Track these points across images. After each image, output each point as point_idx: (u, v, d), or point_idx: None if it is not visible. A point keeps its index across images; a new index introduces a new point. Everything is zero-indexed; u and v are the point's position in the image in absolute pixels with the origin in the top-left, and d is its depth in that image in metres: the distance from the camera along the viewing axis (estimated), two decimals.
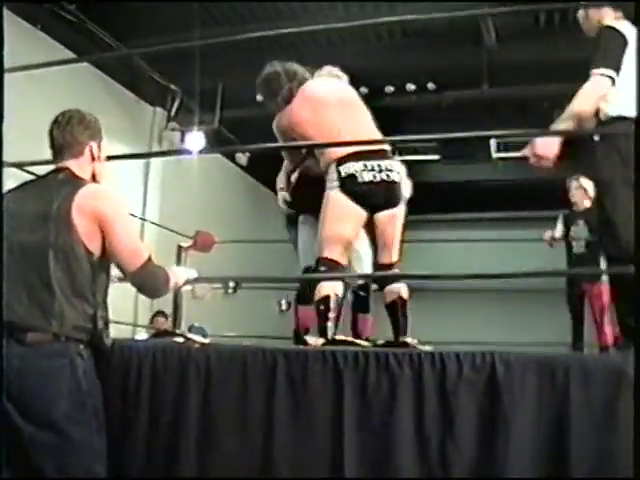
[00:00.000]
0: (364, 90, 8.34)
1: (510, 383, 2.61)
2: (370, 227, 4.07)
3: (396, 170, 4.01)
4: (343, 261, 3.93)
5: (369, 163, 3.92)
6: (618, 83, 3.40)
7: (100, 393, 2.77)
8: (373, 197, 3.94)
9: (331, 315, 3.77)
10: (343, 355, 2.84)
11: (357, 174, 3.90)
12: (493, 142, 9.27)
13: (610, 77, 3.39)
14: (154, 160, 9.31)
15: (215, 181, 10.45)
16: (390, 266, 4.10)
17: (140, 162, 9.08)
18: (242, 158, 10.88)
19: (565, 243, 7.49)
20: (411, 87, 8.54)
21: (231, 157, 10.85)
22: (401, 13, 6.78)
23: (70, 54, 7.26)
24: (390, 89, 8.68)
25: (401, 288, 4.10)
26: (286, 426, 2.82)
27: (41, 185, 2.91)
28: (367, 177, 3.91)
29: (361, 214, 3.95)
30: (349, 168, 3.91)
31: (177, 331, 3.71)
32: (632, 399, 2.46)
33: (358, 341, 3.62)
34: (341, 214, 3.93)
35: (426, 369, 2.71)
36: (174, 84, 9.05)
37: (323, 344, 3.47)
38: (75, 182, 2.82)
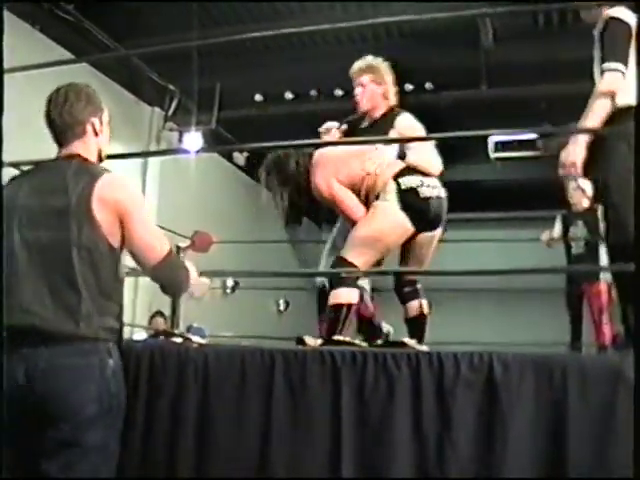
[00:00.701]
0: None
1: (508, 383, 2.61)
2: (408, 244, 3.98)
3: (439, 186, 3.94)
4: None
5: (424, 179, 3.86)
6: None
7: (124, 395, 2.66)
8: (430, 213, 3.86)
9: (340, 327, 3.68)
10: (341, 355, 2.84)
11: (418, 189, 3.82)
12: (491, 142, 9.28)
13: (621, 71, 3.38)
14: (152, 160, 9.31)
15: (213, 181, 10.45)
16: (414, 282, 4.11)
17: (138, 162, 9.08)
18: (240, 158, 10.89)
19: (564, 243, 7.50)
20: (409, 87, 8.53)
21: (229, 157, 10.85)
22: (398, 13, 6.78)
23: (68, 54, 7.27)
24: None
25: (423, 303, 4.09)
26: (284, 426, 2.82)
27: (51, 175, 2.70)
28: (427, 192, 3.84)
29: (407, 232, 3.85)
30: (409, 181, 3.84)
31: (175, 331, 3.70)
32: (630, 399, 2.47)
33: (356, 341, 3.62)
34: (390, 227, 3.83)
35: (424, 369, 2.71)
36: (172, 84, 9.05)
37: (321, 344, 3.48)
38: (90, 171, 2.66)
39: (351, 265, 3.76)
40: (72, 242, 2.53)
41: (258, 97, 9.22)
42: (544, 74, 8.17)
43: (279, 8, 7.66)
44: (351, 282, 3.80)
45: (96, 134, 2.80)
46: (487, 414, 2.62)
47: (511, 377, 2.62)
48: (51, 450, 2.46)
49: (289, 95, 9.11)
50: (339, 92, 8.51)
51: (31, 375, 2.45)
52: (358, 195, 3.94)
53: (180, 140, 9.53)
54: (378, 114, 4.43)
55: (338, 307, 3.73)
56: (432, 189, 3.86)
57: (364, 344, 3.52)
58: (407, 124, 4.25)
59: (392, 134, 4.20)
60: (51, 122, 2.76)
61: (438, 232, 4.01)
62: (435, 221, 3.94)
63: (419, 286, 4.15)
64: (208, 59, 7.36)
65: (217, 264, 6.68)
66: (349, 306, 3.75)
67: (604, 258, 7.16)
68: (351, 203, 3.96)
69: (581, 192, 7.32)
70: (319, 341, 3.56)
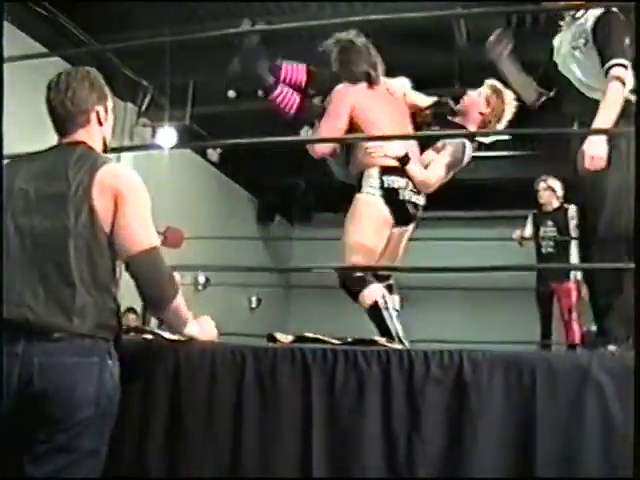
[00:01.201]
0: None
1: (477, 382, 2.62)
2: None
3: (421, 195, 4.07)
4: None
5: (409, 183, 3.95)
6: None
7: (118, 398, 2.51)
8: (406, 214, 3.98)
9: (387, 315, 3.79)
10: (312, 352, 2.83)
11: (400, 191, 3.91)
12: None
13: (625, 66, 3.40)
14: (124, 155, 9.25)
15: (186, 177, 10.41)
16: (388, 278, 4.14)
17: (111, 157, 9.01)
18: (213, 154, 10.87)
19: (535, 243, 7.56)
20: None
21: (202, 153, 10.82)
22: (374, 12, 6.79)
23: (40, 47, 7.21)
24: None
25: (396, 299, 4.13)
26: (254, 424, 2.82)
27: (52, 160, 2.56)
28: (407, 196, 3.94)
29: (390, 226, 3.97)
30: (394, 182, 3.90)
31: (147, 328, 3.69)
32: (598, 398, 2.50)
33: (327, 338, 3.63)
34: (379, 224, 3.93)
35: (394, 367, 2.71)
36: (145, 80, 9.00)
37: (292, 341, 3.48)
38: (93, 159, 2.52)
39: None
40: (69, 231, 2.40)
41: (231, 93, 9.20)
42: None
43: (255, 5, 7.65)
44: (368, 280, 3.89)
45: (100, 123, 2.66)
46: (456, 412, 2.63)
47: (481, 375, 2.64)
48: (41, 454, 2.32)
49: (262, 92, 9.09)
50: (313, 90, 8.51)
51: (25, 373, 2.30)
52: None
53: (153, 136, 9.48)
54: None
55: (375, 306, 3.82)
56: (415, 195, 3.99)
57: (335, 341, 3.53)
58: None
59: None
60: (52, 110, 2.61)
61: (410, 228, 4.11)
62: (409, 219, 4.04)
63: (392, 282, 4.18)
64: (181, 55, 7.33)
65: (189, 260, 6.67)
66: (383, 299, 3.84)
67: (574, 257, 7.26)
68: None
69: (551, 192, 7.40)
70: (290, 338, 3.56)
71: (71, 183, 2.43)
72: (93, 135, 2.64)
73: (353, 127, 4.00)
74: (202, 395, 2.90)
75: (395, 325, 3.80)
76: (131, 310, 7.27)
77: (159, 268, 2.56)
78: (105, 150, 2.73)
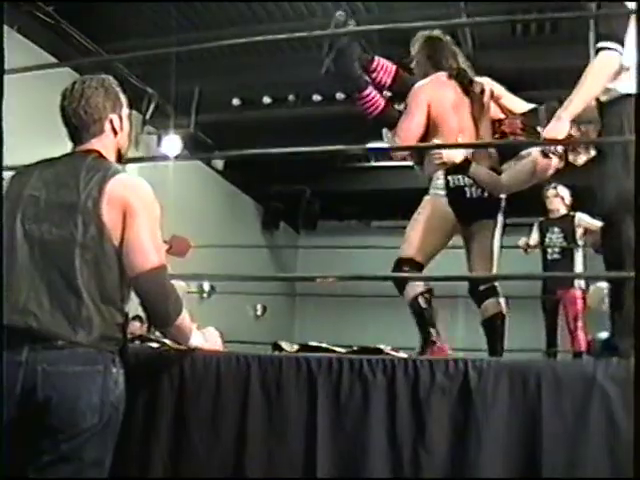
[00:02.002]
0: (341, 95, 8.39)
1: (482, 390, 2.61)
2: (465, 237, 4.20)
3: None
4: (425, 264, 4.03)
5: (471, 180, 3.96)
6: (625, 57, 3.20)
7: (123, 407, 2.49)
8: (472, 210, 4.02)
9: (429, 315, 3.95)
10: (317, 361, 2.83)
11: (466, 189, 3.97)
12: None
13: (618, 52, 3.16)
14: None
15: (191, 185, 10.43)
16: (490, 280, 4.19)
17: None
18: (218, 163, 10.89)
19: (540, 250, 7.57)
20: (387, 93, 8.55)
21: (207, 161, 10.85)
22: (379, 20, 6.81)
23: (46, 55, 7.24)
24: None
25: (502, 302, 4.18)
26: (259, 433, 2.81)
27: (64, 169, 2.52)
28: (475, 193, 3.98)
29: (455, 225, 4.04)
30: (458, 180, 3.97)
31: (152, 336, 3.68)
32: (604, 406, 2.49)
33: (332, 347, 3.62)
34: (436, 223, 4.00)
35: (399, 376, 2.70)
36: (150, 87, 9.02)
37: (297, 350, 3.47)
38: (105, 168, 2.48)
39: (412, 261, 3.95)
40: (76, 241, 2.37)
41: (236, 101, 9.23)
42: (521, 82, 8.23)
43: (259, 12, 7.67)
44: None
45: (115, 132, 2.63)
46: (462, 421, 2.62)
47: (486, 384, 2.63)
48: (46, 464, 2.29)
49: (267, 100, 9.12)
50: (317, 97, 8.53)
51: (29, 381, 2.28)
52: None
53: (158, 144, 9.51)
54: None
55: (414, 301, 3.94)
56: (477, 190, 3.99)
57: (341, 350, 3.53)
58: None
59: None
60: (66, 119, 2.59)
61: (496, 220, 4.13)
62: (483, 213, 4.08)
63: (496, 284, 4.20)
64: (186, 62, 7.36)
65: (194, 268, 6.67)
66: (421, 294, 3.93)
67: (579, 265, 7.26)
68: None
69: (559, 199, 7.41)
70: (295, 346, 3.55)
71: (81, 193, 2.41)
72: (107, 144, 2.61)
73: (431, 122, 4.07)
74: (207, 403, 2.90)
75: (433, 323, 3.96)
76: (137, 318, 7.26)
77: (165, 287, 2.53)
78: (120, 160, 2.70)
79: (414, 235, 4.00)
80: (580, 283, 7.14)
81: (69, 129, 2.60)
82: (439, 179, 4.02)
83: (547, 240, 7.48)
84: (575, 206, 7.45)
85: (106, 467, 2.43)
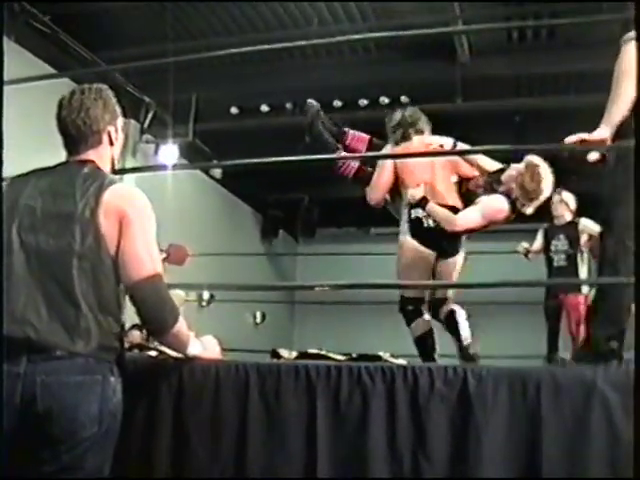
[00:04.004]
0: (338, 103, 8.41)
1: (482, 397, 2.61)
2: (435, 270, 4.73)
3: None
4: (424, 295, 4.70)
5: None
6: None
7: (121, 415, 2.47)
8: (434, 241, 4.58)
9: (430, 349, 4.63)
10: (316, 369, 2.83)
11: (423, 219, 4.57)
12: None
13: None
14: None
15: (189, 193, 10.43)
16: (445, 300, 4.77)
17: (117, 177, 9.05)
18: (216, 171, 10.90)
19: (545, 256, 7.58)
20: (385, 100, 8.58)
21: (205, 170, 10.85)
22: (376, 27, 6.82)
23: (44, 65, 7.25)
24: (364, 102, 8.72)
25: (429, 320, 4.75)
26: (259, 441, 2.80)
27: (60, 178, 2.50)
28: (431, 224, 4.55)
29: (429, 256, 4.62)
30: (417, 212, 4.58)
31: (151, 345, 3.67)
32: (603, 412, 2.49)
33: (331, 354, 3.62)
34: (414, 262, 4.60)
35: (398, 383, 2.70)
36: (148, 96, 9.04)
37: (296, 357, 3.47)
38: (101, 179, 2.47)
39: (408, 299, 4.66)
40: (74, 252, 2.36)
41: (234, 110, 9.24)
42: (518, 88, 8.27)
43: (255, 21, 7.69)
44: (415, 314, 4.66)
45: (112, 143, 2.63)
46: (461, 428, 2.61)
47: (485, 391, 2.62)
48: (47, 474, 2.29)
49: (265, 108, 9.13)
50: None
51: (28, 392, 2.26)
52: None
53: (156, 152, 9.51)
54: None
55: (420, 338, 4.65)
56: (433, 221, 4.56)
57: (340, 357, 3.52)
58: None
59: None
60: (63, 129, 2.57)
61: (453, 260, 4.76)
62: (441, 248, 4.66)
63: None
64: (183, 71, 7.36)
65: (193, 275, 6.67)
66: (428, 332, 4.65)
67: (584, 270, 7.26)
68: None
69: (565, 205, 7.42)
70: (294, 354, 3.55)
71: (78, 203, 2.40)
72: (102, 155, 2.61)
73: (399, 177, 4.75)
74: (206, 412, 2.89)
75: (434, 349, 4.66)
76: (136, 326, 7.23)
77: (161, 295, 2.52)
78: (113, 168, 2.70)
79: (402, 277, 4.68)
80: (584, 289, 7.14)
81: (66, 139, 2.59)
82: (404, 214, 4.70)
83: (553, 247, 7.49)
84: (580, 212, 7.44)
85: (105, 474, 2.43)
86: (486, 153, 4.56)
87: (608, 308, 3.14)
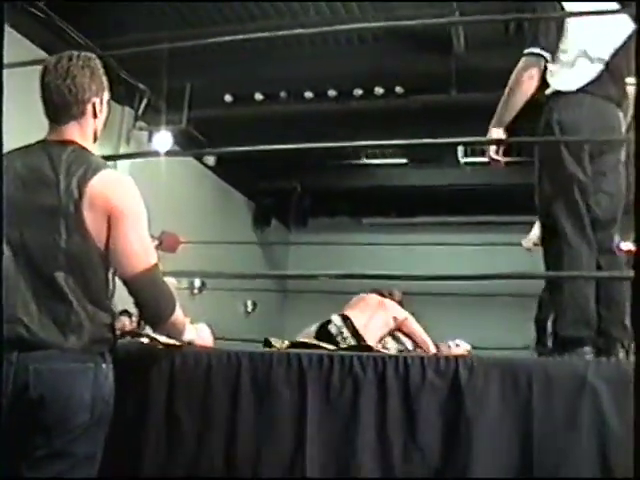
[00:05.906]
0: (332, 93, 8.40)
1: (473, 387, 2.62)
2: None
3: None
4: None
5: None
6: (564, 57, 3.44)
7: (113, 401, 2.45)
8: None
9: None
10: (308, 358, 2.83)
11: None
12: (460, 147, 9.36)
13: (539, 55, 3.43)
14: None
15: (182, 181, 10.41)
16: None
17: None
18: (209, 159, 10.87)
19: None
20: (380, 91, 8.57)
21: (198, 158, 10.83)
22: (373, 17, 6.81)
23: (38, 50, 7.21)
24: (358, 92, 8.71)
25: None
26: (250, 429, 2.81)
27: (41, 163, 2.38)
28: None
29: None
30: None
31: (142, 332, 3.67)
32: (593, 403, 2.50)
33: (323, 344, 3.62)
34: None
35: (390, 373, 2.70)
36: (142, 83, 9.01)
37: (288, 347, 3.47)
38: (86, 165, 2.36)
39: None
40: (60, 248, 2.30)
41: (228, 97, 9.22)
42: None
43: (252, 9, 7.67)
44: None
45: (95, 115, 2.48)
46: (452, 418, 2.62)
47: (476, 381, 2.63)
48: (39, 460, 2.27)
49: (259, 96, 9.11)
50: (309, 94, 8.53)
51: (21, 380, 2.25)
52: None
53: (150, 139, 9.49)
54: None
55: None
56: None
57: (331, 347, 3.53)
58: None
59: None
60: (46, 96, 2.44)
61: None
62: None
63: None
64: (178, 58, 7.34)
65: (185, 263, 6.66)
66: None
67: None
68: None
69: None
70: (286, 343, 3.56)
71: (62, 195, 2.31)
72: (85, 128, 2.48)
73: None
74: (197, 399, 2.89)
75: None
76: (125, 313, 7.21)
77: (159, 286, 2.51)
78: (95, 141, 2.56)
79: None
80: None
81: (48, 106, 2.46)
82: None
83: None
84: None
85: (97, 461, 2.42)
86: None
87: (564, 299, 3.27)
